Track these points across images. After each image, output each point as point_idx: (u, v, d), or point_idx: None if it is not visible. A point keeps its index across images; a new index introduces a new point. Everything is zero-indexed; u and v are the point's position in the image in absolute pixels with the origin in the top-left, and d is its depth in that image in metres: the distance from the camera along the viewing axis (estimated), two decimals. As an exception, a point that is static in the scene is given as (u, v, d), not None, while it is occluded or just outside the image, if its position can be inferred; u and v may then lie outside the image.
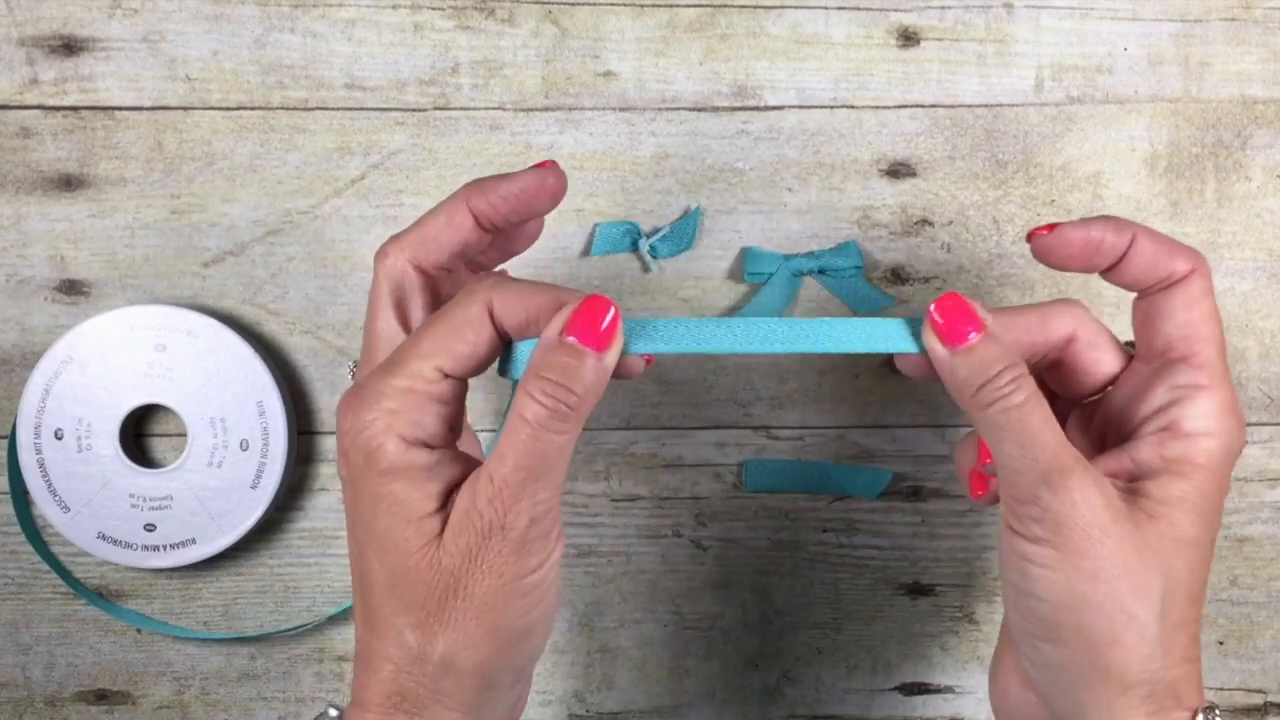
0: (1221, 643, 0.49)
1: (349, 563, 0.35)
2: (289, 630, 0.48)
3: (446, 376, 0.34)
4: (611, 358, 0.34)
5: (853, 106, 0.47)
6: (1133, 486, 0.35)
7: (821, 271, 0.47)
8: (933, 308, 0.35)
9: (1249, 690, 0.49)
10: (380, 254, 0.36)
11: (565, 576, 0.48)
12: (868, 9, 0.47)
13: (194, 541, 0.46)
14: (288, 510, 0.48)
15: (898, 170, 0.47)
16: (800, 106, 0.47)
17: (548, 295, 0.34)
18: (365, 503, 0.33)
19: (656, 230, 0.47)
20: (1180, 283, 0.36)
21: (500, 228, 0.37)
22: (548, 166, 0.37)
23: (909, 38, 0.47)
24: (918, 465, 0.48)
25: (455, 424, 0.35)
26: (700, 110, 0.47)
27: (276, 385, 0.45)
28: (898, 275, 0.48)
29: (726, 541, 0.48)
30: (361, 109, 0.46)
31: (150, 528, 0.45)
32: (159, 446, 0.47)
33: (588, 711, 0.49)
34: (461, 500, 0.33)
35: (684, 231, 0.47)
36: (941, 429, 0.48)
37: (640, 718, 0.49)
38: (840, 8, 0.47)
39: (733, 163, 0.47)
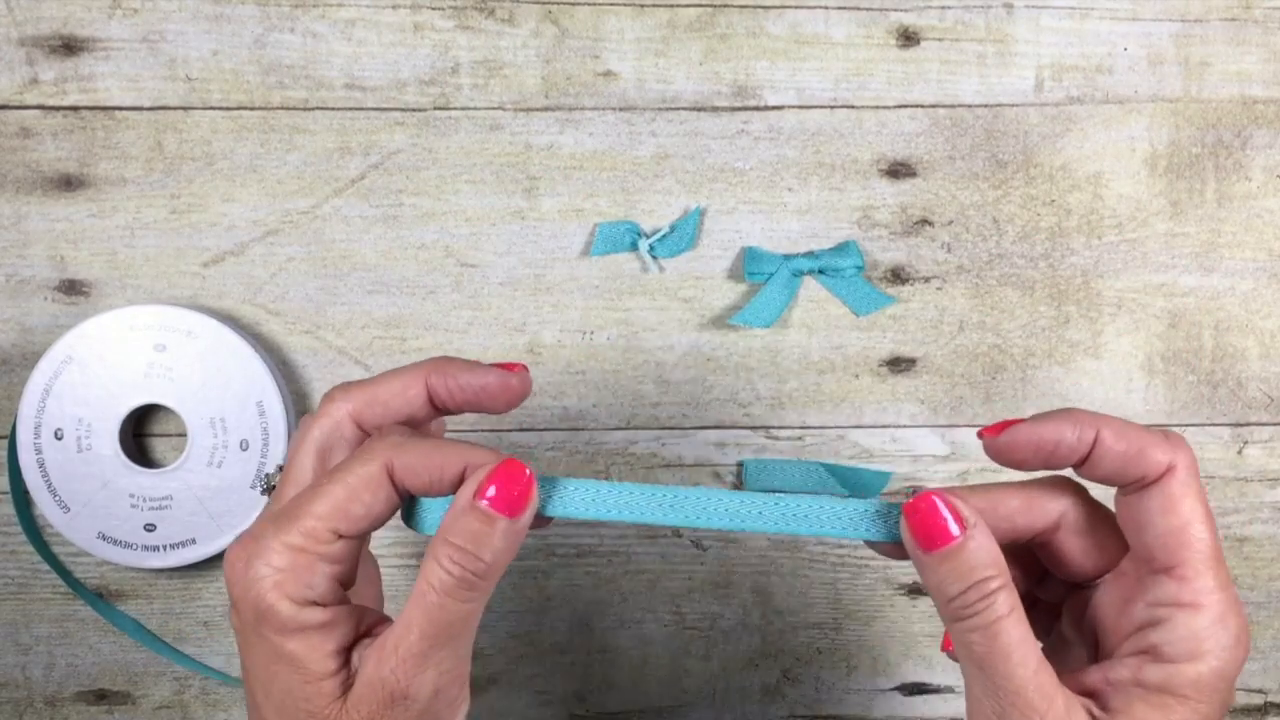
0: None
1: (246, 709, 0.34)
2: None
3: (340, 537, 0.33)
4: (524, 523, 0.33)
5: (853, 106, 0.47)
6: (1106, 715, 0.32)
7: (821, 271, 0.47)
8: (906, 506, 0.32)
9: (1249, 690, 0.49)
10: (327, 398, 0.35)
11: (565, 577, 0.48)
12: (868, 9, 0.47)
13: (194, 541, 0.46)
14: (288, 510, 0.48)
15: (898, 170, 0.47)
16: (800, 106, 0.47)
17: (453, 457, 0.33)
18: (260, 660, 0.32)
19: (656, 230, 0.47)
20: (1156, 483, 0.31)
21: (452, 411, 0.36)
22: (516, 370, 0.35)
23: (909, 38, 0.47)
24: (917, 465, 0.48)
25: (349, 579, 0.34)
26: (700, 110, 0.47)
27: (276, 385, 0.45)
28: (898, 275, 0.48)
29: (726, 541, 0.48)
30: (361, 109, 0.46)
31: (150, 528, 0.45)
32: (159, 446, 0.47)
33: (588, 711, 0.49)
34: (366, 667, 0.32)
35: (684, 231, 0.47)
36: (941, 429, 0.48)
37: (640, 718, 0.49)
38: (840, 8, 0.47)
39: (733, 163, 0.47)
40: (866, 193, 0.47)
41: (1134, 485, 0.32)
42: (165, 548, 0.46)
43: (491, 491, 0.32)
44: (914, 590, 0.49)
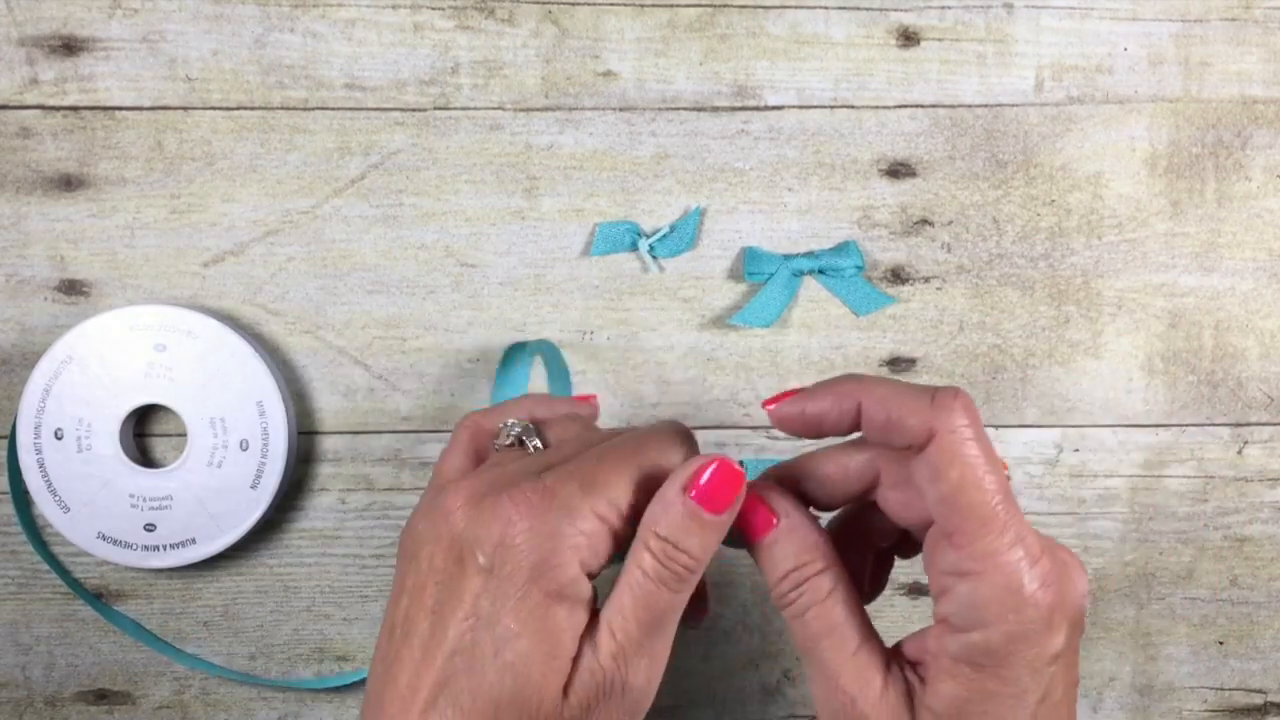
0: (1221, 643, 0.49)
1: (422, 631, 0.32)
2: (303, 685, 0.48)
3: (632, 518, 0.32)
4: (729, 518, 0.32)
5: (853, 106, 0.47)
6: (922, 687, 0.31)
7: (821, 271, 0.47)
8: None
9: (1249, 690, 0.49)
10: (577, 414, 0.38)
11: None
12: (868, 9, 0.47)
13: (194, 541, 0.46)
14: (287, 510, 0.48)
15: (898, 170, 0.47)
16: (800, 106, 0.47)
17: (683, 454, 0.33)
18: (509, 611, 0.31)
19: (656, 230, 0.47)
20: (923, 451, 0.30)
21: None
22: (590, 401, 0.39)
23: (909, 38, 0.47)
24: (918, 465, 0.48)
25: (609, 564, 0.33)
26: (700, 110, 0.47)
27: (277, 385, 0.45)
28: (898, 275, 0.48)
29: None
30: (361, 109, 0.46)
31: (150, 528, 0.45)
32: (159, 446, 0.47)
33: (588, 711, 0.49)
34: (586, 650, 0.32)
35: (684, 231, 0.47)
36: (941, 429, 0.48)
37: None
38: (840, 8, 0.47)
39: (733, 163, 0.47)
40: (866, 193, 0.47)
41: (911, 451, 0.31)
42: (165, 548, 0.46)
43: (700, 484, 0.32)
44: (914, 590, 0.49)
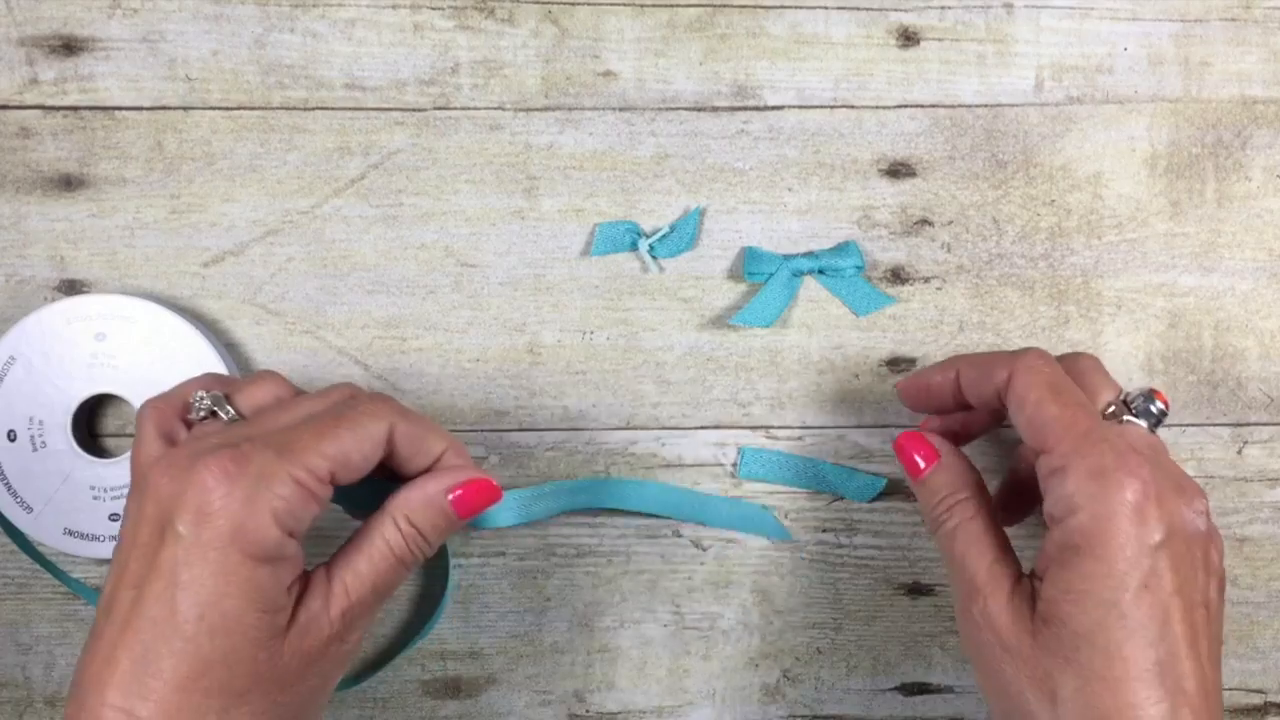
0: (1221, 643, 0.49)
1: (122, 606, 0.33)
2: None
3: (332, 482, 0.34)
4: (465, 524, 0.38)
5: (853, 106, 0.47)
6: (1040, 583, 0.36)
7: (821, 271, 0.47)
8: (895, 441, 0.41)
9: (1249, 690, 0.49)
10: (373, 408, 0.37)
11: (565, 577, 0.48)
12: (868, 9, 0.47)
13: None
14: (288, 510, 0.48)
15: (898, 170, 0.47)
16: (800, 106, 0.47)
17: (441, 441, 0.37)
18: (209, 578, 0.32)
19: (656, 230, 0.47)
20: (1009, 391, 0.38)
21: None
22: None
23: (909, 38, 0.47)
24: (918, 465, 0.48)
25: (313, 525, 0.35)
26: (700, 110, 0.47)
27: (222, 360, 0.45)
28: (898, 275, 0.48)
29: (726, 541, 0.48)
30: (361, 109, 0.46)
31: (115, 517, 0.45)
32: (114, 435, 0.47)
33: (588, 711, 0.49)
34: (313, 605, 0.34)
35: (684, 231, 0.47)
36: (941, 429, 0.48)
37: (640, 718, 0.49)
38: (840, 8, 0.47)
39: (733, 163, 0.47)
40: (866, 193, 0.47)
41: (999, 401, 0.38)
42: None
43: (459, 494, 0.37)
44: (914, 590, 0.49)
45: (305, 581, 0.35)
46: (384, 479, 0.38)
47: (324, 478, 0.34)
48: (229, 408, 0.37)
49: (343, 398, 0.37)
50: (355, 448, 0.35)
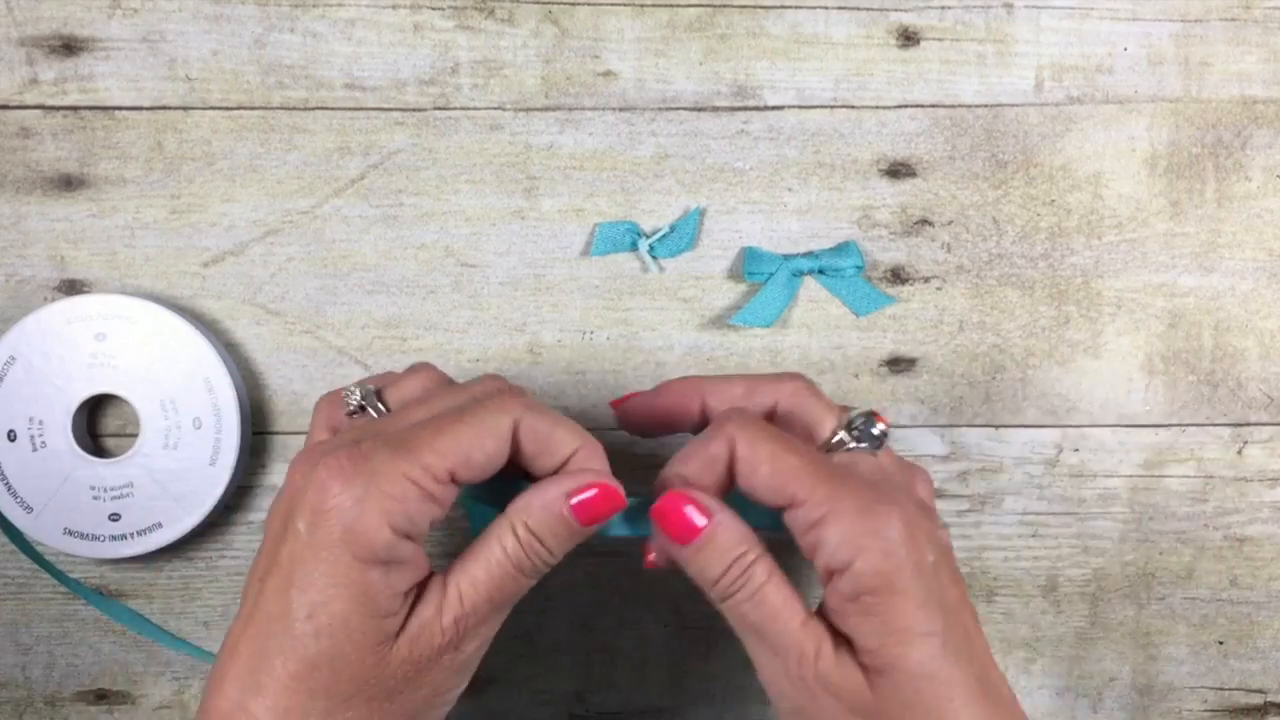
0: (1221, 643, 0.49)
1: (248, 601, 0.33)
2: None
3: (453, 481, 0.33)
4: (590, 532, 0.35)
5: (853, 106, 0.47)
6: (842, 636, 0.34)
7: (821, 271, 0.47)
8: (653, 510, 0.35)
9: (1249, 690, 0.49)
10: (501, 397, 0.35)
11: (565, 577, 0.48)
12: (868, 9, 0.47)
13: (160, 526, 0.45)
14: (288, 510, 0.48)
15: (898, 170, 0.47)
16: (800, 106, 0.47)
17: (571, 439, 0.35)
18: (322, 579, 0.31)
19: (656, 230, 0.47)
20: (733, 461, 0.35)
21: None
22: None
23: (909, 38, 0.47)
24: (918, 465, 0.48)
25: (437, 526, 0.34)
26: (700, 110, 0.47)
27: (221, 358, 0.45)
28: (898, 275, 0.48)
29: (726, 541, 0.48)
30: (361, 109, 0.46)
31: (115, 517, 0.45)
32: (115, 435, 0.47)
33: (588, 711, 0.49)
34: (425, 611, 0.33)
35: (684, 231, 0.47)
36: (941, 429, 0.48)
37: (640, 718, 0.49)
38: (840, 8, 0.47)
39: (733, 163, 0.47)
40: (866, 193, 0.47)
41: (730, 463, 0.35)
42: (132, 535, 0.45)
43: (580, 499, 0.34)
44: (914, 590, 0.49)
45: (422, 588, 0.33)
46: (523, 478, 0.36)
47: (442, 477, 0.32)
48: (379, 404, 0.36)
49: (484, 391, 0.35)
50: (476, 445, 0.33)
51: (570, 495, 0.34)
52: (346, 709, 0.32)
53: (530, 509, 0.34)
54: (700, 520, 0.34)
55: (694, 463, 0.35)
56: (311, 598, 0.31)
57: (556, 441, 0.34)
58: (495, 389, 0.35)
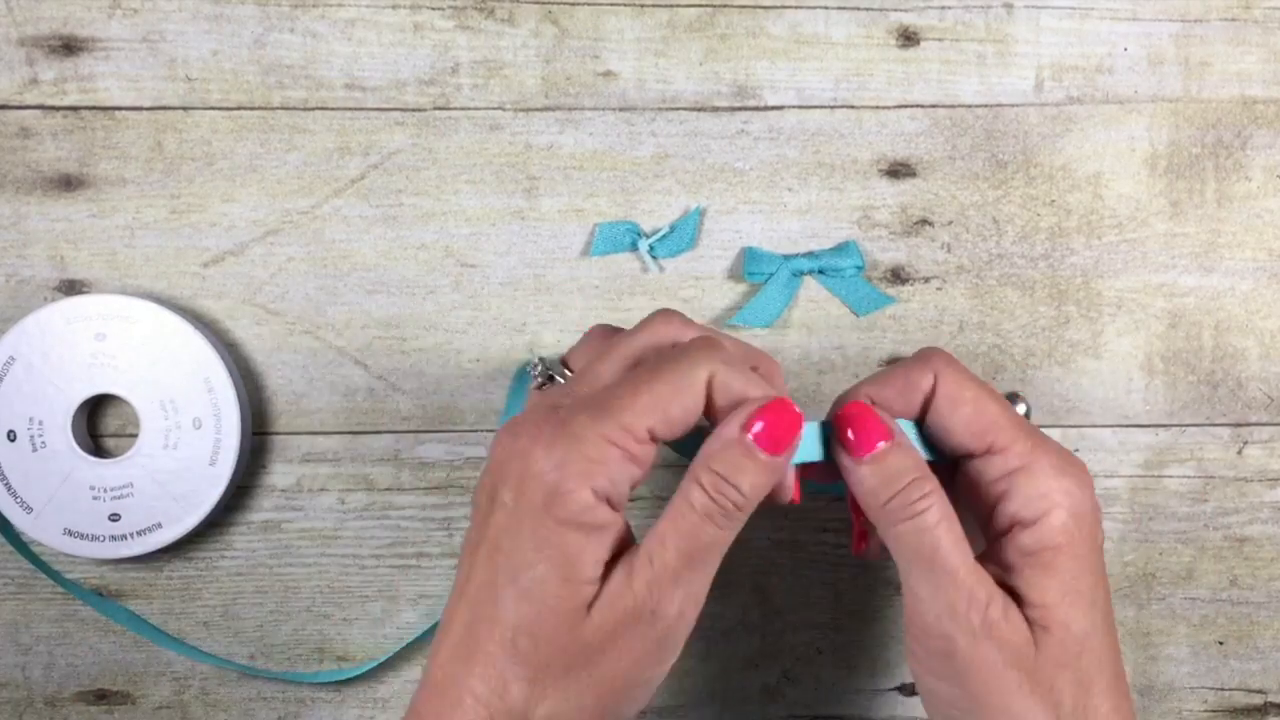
0: (1221, 643, 0.49)
1: (461, 575, 0.33)
2: (315, 677, 0.48)
3: (653, 440, 0.32)
4: (784, 460, 0.33)
5: (853, 106, 0.47)
6: (1010, 590, 0.33)
7: (821, 271, 0.47)
8: (837, 416, 0.34)
9: (1249, 690, 0.49)
10: (666, 320, 0.35)
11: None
12: (868, 9, 0.47)
13: (159, 526, 0.45)
14: (287, 510, 0.48)
15: (898, 170, 0.47)
16: (800, 106, 0.47)
17: (760, 389, 0.34)
18: (526, 541, 0.31)
19: (656, 230, 0.47)
20: (932, 397, 0.35)
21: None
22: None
23: (909, 38, 0.47)
24: (918, 465, 0.48)
25: (637, 486, 0.33)
26: (700, 110, 0.47)
27: (221, 358, 0.45)
28: (898, 275, 0.48)
29: (726, 541, 0.48)
30: (361, 109, 0.46)
31: (115, 517, 0.45)
32: (114, 435, 0.47)
33: (588, 711, 0.49)
34: (616, 576, 0.32)
35: (684, 231, 0.47)
36: (941, 429, 0.48)
37: (640, 717, 0.49)
38: (840, 8, 0.47)
39: (733, 163, 0.47)
40: (866, 193, 0.47)
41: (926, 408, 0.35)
42: (132, 536, 0.45)
43: (758, 427, 0.32)
44: (914, 590, 0.49)
45: (621, 557, 0.33)
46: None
47: (641, 437, 0.32)
48: (566, 371, 0.36)
49: (666, 337, 0.35)
50: (675, 400, 0.32)
51: (747, 426, 0.32)
52: (548, 675, 0.31)
53: (711, 451, 0.33)
54: (883, 433, 0.34)
55: (892, 387, 0.35)
56: (515, 562, 0.31)
57: (750, 394, 0.33)
58: (681, 333, 0.35)
